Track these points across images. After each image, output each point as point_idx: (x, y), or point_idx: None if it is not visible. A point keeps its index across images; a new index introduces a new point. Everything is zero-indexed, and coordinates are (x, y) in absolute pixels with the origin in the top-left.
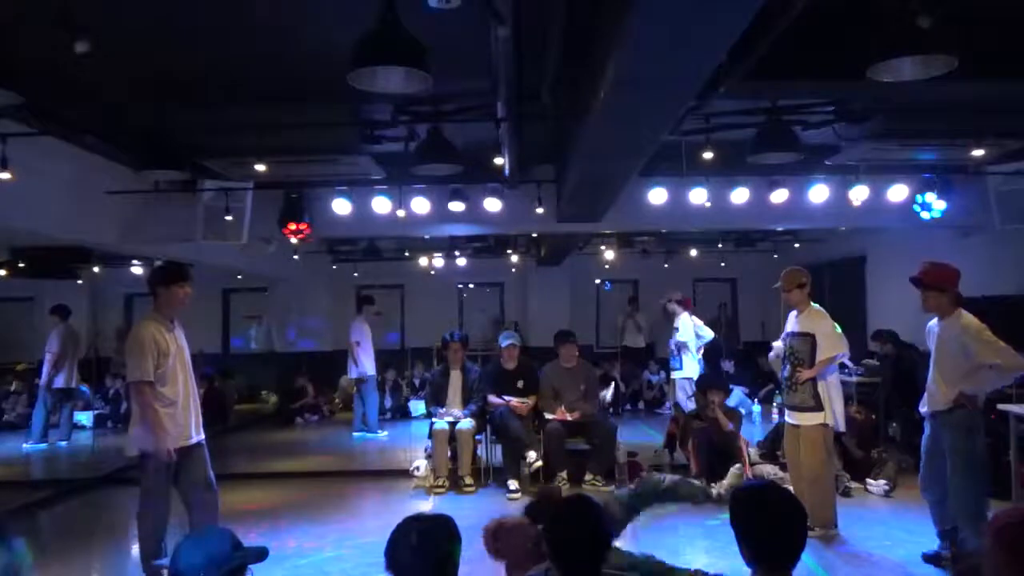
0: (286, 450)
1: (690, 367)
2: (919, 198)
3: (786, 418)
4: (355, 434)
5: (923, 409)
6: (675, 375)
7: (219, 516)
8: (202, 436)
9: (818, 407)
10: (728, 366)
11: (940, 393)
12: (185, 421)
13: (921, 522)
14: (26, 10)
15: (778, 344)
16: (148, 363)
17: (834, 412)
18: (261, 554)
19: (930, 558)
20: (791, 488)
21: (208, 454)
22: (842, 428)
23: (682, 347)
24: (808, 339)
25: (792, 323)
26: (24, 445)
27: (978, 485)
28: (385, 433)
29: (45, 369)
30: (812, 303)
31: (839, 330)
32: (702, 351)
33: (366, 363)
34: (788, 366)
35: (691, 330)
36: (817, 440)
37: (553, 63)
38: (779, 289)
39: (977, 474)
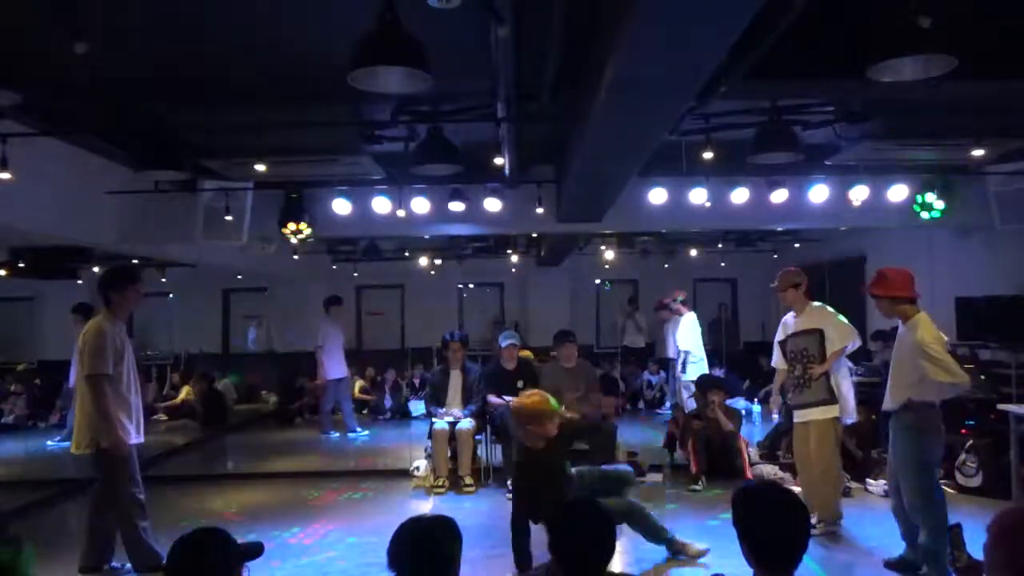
0: (286, 450)
1: (691, 369)
2: (919, 198)
3: (795, 419)
4: (349, 434)
5: (884, 409)
6: (683, 378)
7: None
8: (142, 439)
9: (832, 399)
10: (718, 372)
11: (895, 393)
12: (136, 420)
13: None
14: (26, 10)
15: (776, 352)
16: (108, 358)
17: (848, 403)
18: (257, 549)
19: (892, 564)
20: (798, 490)
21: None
22: (854, 419)
23: (686, 352)
24: (816, 335)
25: (790, 325)
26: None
27: (923, 485)
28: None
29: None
30: (812, 301)
31: (847, 321)
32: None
33: (328, 367)
34: (798, 366)
35: (690, 333)
36: (828, 433)
37: (553, 63)
38: (775, 289)
39: (921, 474)
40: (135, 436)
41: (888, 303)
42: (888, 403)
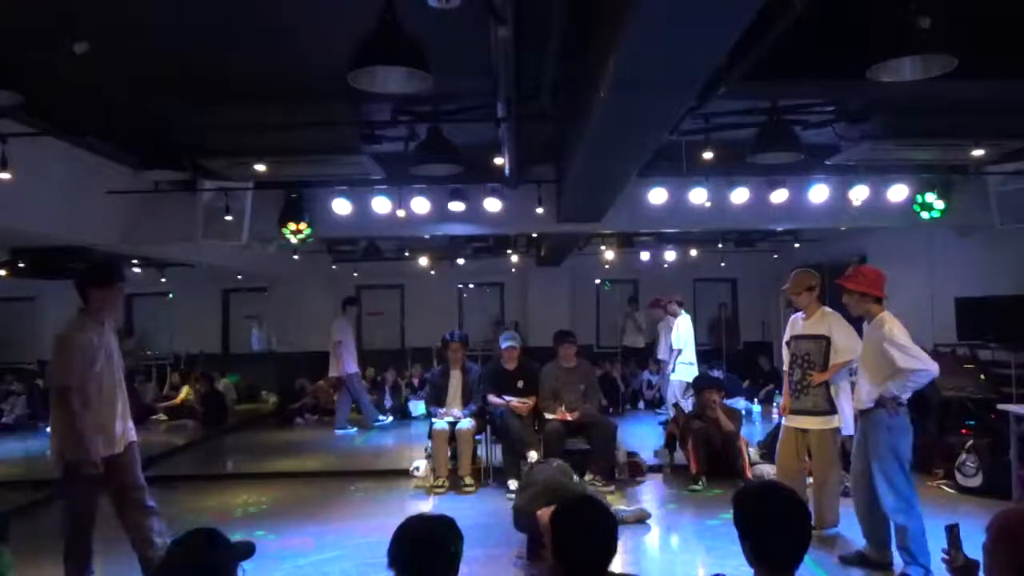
0: (286, 450)
1: (681, 370)
2: (919, 198)
3: (785, 421)
4: (337, 431)
5: (856, 408)
6: (672, 377)
7: (154, 510)
8: (132, 439)
9: (832, 410)
10: (718, 372)
11: (864, 392)
12: (111, 426)
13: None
14: (26, 10)
15: (784, 352)
16: (72, 368)
17: (844, 416)
18: (249, 548)
19: (848, 559)
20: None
21: (139, 456)
22: (851, 432)
23: (675, 351)
24: (821, 342)
25: (798, 326)
26: None
27: (898, 484)
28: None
29: None
30: (824, 306)
31: (856, 334)
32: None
33: (349, 361)
34: (797, 370)
35: (685, 333)
36: (828, 443)
37: (553, 63)
38: (786, 291)
39: (895, 473)
40: (122, 444)
41: (858, 298)
42: (859, 403)
